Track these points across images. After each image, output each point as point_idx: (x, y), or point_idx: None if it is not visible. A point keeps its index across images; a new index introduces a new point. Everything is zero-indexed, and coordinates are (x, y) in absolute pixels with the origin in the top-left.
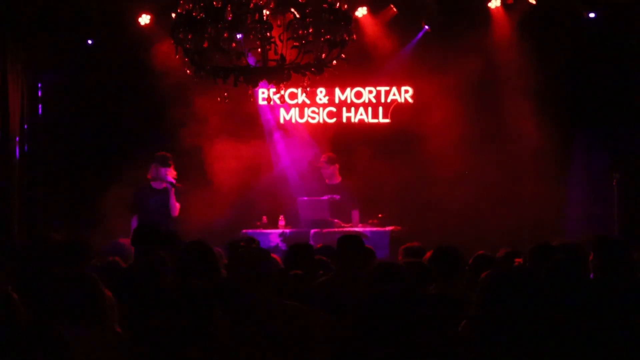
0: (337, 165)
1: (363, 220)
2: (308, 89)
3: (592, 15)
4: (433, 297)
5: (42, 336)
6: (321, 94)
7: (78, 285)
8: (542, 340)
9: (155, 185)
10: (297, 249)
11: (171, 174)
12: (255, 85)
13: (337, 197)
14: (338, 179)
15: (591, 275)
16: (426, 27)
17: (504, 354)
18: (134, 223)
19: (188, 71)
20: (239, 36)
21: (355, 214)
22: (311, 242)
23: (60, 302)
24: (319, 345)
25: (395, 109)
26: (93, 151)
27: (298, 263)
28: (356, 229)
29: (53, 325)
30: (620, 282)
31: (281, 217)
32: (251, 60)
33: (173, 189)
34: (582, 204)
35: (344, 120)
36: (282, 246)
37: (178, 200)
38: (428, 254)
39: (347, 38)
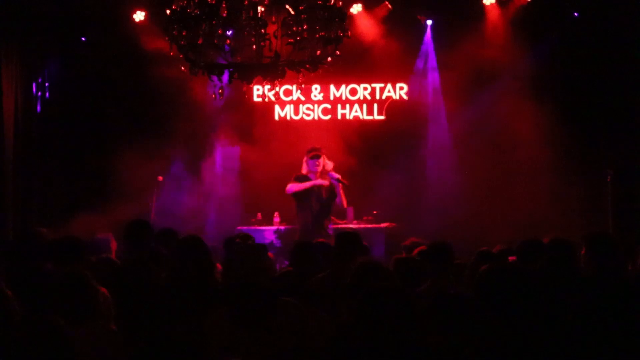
0: (326, 162)
1: (358, 217)
2: (303, 86)
3: (575, 14)
4: (428, 293)
5: (38, 331)
6: (316, 91)
7: (69, 283)
8: (535, 334)
9: (312, 176)
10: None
11: (328, 166)
12: (250, 82)
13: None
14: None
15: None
16: (429, 21)
17: (500, 349)
18: (292, 188)
19: (183, 68)
20: (228, 33)
21: (350, 211)
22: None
23: (51, 300)
24: (314, 341)
25: (390, 106)
26: (88, 146)
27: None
28: (351, 226)
29: (50, 320)
30: (610, 276)
31: (276, 214)
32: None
33: (341, 184)
34: (577, 200)
35: (339, 117)
36: (277, 243)
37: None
38: (416, 250)
39: (341, 35)
